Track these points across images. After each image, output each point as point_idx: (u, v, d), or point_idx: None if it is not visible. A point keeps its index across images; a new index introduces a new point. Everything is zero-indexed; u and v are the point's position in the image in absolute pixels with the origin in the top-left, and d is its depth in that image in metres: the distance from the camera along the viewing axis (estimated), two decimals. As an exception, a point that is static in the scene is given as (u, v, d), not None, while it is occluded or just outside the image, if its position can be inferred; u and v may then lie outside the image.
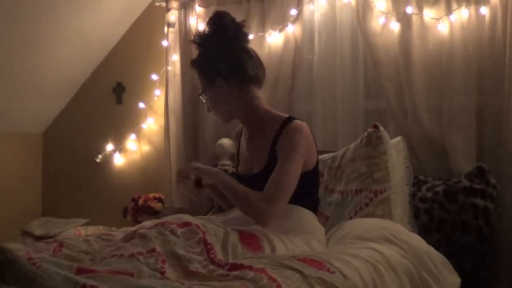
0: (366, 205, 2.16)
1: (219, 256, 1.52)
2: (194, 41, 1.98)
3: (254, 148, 1.99)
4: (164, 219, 1.63)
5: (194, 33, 2.07)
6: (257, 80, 1.96)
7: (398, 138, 2.43)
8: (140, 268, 1.33)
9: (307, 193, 1.94)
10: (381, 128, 2.26)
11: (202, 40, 1.95)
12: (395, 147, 2.35)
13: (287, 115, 1.95)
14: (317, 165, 1.97)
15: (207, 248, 1.52)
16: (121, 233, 2.03)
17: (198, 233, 1.55)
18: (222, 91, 1.92)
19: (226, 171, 2.90)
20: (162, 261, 1.40)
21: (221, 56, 1.91)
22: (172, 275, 1.37)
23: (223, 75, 1.91)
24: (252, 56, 1.96)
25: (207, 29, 1.96)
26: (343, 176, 2.31)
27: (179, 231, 1.54)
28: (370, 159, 2.22)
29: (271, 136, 1.90)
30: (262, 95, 2.00)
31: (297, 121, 1.89)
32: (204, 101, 2.02)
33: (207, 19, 3.19)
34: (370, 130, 2.28)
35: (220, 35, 1.92)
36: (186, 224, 1.58)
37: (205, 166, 1.93)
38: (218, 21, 1.93)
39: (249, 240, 1.67)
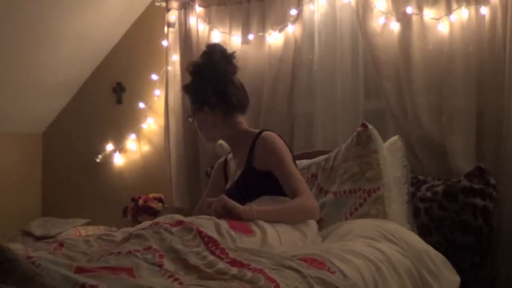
0: (361, 205, 2.15)
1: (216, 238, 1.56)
2: (187, 69, 2.22)
3: (237, 163, 2.22)
4: (157, 219, 1.66)
5: (189, 62, 2.30)
6: (241, 108, 2.20)
7: (395, 137, 2.42)
8: (139, 263, 1.34)
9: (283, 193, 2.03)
10: (370, 126, 2.24)
11: (194, 69, 2.18)
12: (392, 146, 2.34)
13: (259, 130, 2.19)
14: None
15: (204, 240, 1.54)
16: (121, 233, 2.04)
17: (192, 229, 1.57)
18: (208, 118, 2.16)
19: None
20: (160, 256, 1.41)
21: (210, 87, 2.14)
22: (170, 268, 1.37)
23: (210, 104, 2.13)
24: (237, 87, 2.19)
25: (199, 59, 2.19)
26: (336, 177, 2.30)
27: (174, 229, 1.56)
28: (361, 158, 2.21)
29: (247, 148, 2.13)
30: (244, 119, 2.23)
31: (266, 132, 2.14)
32: (191, 121, 2.25)
33: (207, 19, 3.26)
34: (359, 129, 2.27)
35: (210, 68, 2.15)
36: (179, 222, 1.61)
37: (234, 204, 1.84)
38: (209, 55, 2.16)
39: (238, 226, 1.72)
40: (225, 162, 2.36)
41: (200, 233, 1.56)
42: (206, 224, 1.65)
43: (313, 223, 2.00)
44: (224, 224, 1.69)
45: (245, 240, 1.67)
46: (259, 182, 2.05)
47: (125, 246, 1.46)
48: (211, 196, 2.24)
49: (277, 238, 1.77)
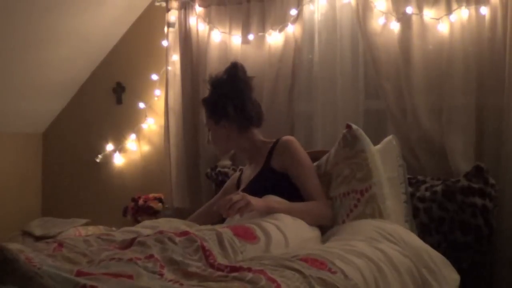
0: (355, 206, 2.12)
1: (219, 260, 1.53)
2: (209, 82, 2.34)
3: (252, 168, 2.32)
4: (160, 222, 1.66)
5: (209, 75, 2.41)
6: (257, 121, 2.34)
7: (390, 137, 2.37)
8: (139, 271, 1.34)
9: (297, 195, 2.12)
10: (354, 126, 2.22)
11: (216, 83, 2.31)
12: (386, 146, 2.31)
13: (275, 139, 2.29)
14: None
15: (206, 254, 1.53)
16: (121, 233, 2.03)
17: (196, 241, 1.57)
18: (224, 131, 2.28)
19: (226, 173, 2.94)
20: (161, 266, 1.41)
21: (230, 102, 2.25)
22: (171, 277, 1.37)
23: (228, 118, 2.26)
24: (254, 104, 2.33)
25: (222, 75, 2.32)
26: (331, 182, 2.27)
27: (177, 239, 1.56)
28: (350, 159, 2.18)
29: (265, 153, 2.25)
30: (259, 132, 2.37)
31: (286, 136, 2.27)
32: (207, 135, 2.36)
33: (207, 19, 3.26)
34: (344, 131, 2.24)
35: (232, 84, 2.28)
36: (184, 233, 1.61)
37: (255, 199, 1.94)
38: (233, 72, 2.30)
39: (242, 232, 1.71)
40: (240, 174, 2.45)
41: (203, 248, 1.55)
42: (209, 235, 1.64)
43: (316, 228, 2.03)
44: (227, 232, 1.68)
45: (248, 248, 1.66)
46: (275, 182, 2.13)
47: (127, 253, 1.46)
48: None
49: (282, 242, 1.77)
